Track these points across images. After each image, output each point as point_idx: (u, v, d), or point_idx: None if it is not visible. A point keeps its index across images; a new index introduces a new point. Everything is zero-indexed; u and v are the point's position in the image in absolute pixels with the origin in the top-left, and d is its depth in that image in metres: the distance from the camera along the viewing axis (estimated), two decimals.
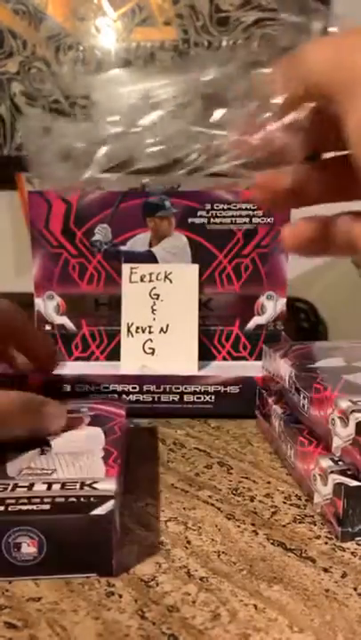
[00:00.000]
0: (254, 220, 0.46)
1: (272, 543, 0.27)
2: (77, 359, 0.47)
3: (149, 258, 0.46)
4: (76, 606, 0.23)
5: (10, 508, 0.24)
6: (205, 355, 0.46)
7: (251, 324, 0.47)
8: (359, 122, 0.19)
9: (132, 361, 0.45)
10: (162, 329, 0.45)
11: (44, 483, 0.26)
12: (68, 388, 0.42)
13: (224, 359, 0.47)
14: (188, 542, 0.27)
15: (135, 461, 0.35)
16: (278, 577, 0.25)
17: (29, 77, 1.61)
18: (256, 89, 0.22)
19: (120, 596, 0.23)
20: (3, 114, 1.64)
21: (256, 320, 0.47)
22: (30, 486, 0.26)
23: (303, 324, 1.41)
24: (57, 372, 0.42)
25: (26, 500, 0.25)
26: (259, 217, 0.46)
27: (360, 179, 0.20)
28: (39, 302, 0.47)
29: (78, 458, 0.29)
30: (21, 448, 0.30)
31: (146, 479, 0.33)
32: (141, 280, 0.46)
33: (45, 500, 0.25)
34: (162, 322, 0.45)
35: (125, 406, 0.36)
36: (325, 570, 0.25)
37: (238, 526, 0.28)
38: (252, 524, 0.29)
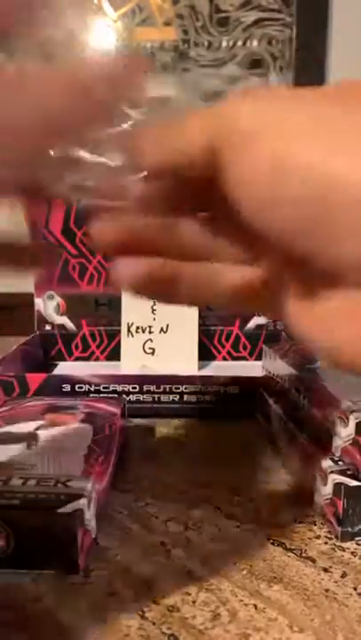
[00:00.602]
0: None
1: (272, 543, 0.27)
2: (77, 359, 0.47)
3: None
4: (76, 606, 0.23)
5: None
6: (205, 355, 0.46)
7: (251, 324, 0.47)
8: (242, 175, 0.17)
9: (132, 361, 0.45)
10: (162, 329, 0.45)
11: (20, 477, 0.27)
12: (67, 387, 0.42)
13: (224, 359, 0.47)
14: (188, 542, 0.27)
15: (135, 461, 0.35)
16: (278, 577, 0.25)
17: None
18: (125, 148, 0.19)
19: (120, 596, 0.23)
20: None
21: (256, 320, 0.47)
22: (7, 480, 0.26)
23: None
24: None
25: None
26: None
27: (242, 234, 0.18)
28: (39, 302, 0.47)
29: (61, 454, 0.29)
30: (12, 440, 0.30)
31: (146, 479, 0.33)
32: None
33: (18, 494, 0.25)
34: (162, 322, 0.45)
35: (122, 405, 0.37)
36: (325, 570, 0.25)
37: (238, 526, 0.29)
38: (252, 524, 0.29)
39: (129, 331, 0.45)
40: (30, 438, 0.31)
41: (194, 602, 0.23)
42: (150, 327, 0.45)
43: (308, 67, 1.49)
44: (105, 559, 0.26)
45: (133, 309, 0.45)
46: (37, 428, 0.32)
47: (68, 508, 0.24)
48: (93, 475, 0.27)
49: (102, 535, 0.27)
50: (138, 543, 0.27)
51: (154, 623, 0.22)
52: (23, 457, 0.29)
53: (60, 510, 0.24)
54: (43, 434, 0.31)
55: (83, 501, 0.24)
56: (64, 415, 0.33)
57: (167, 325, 0.45)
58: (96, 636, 0.21)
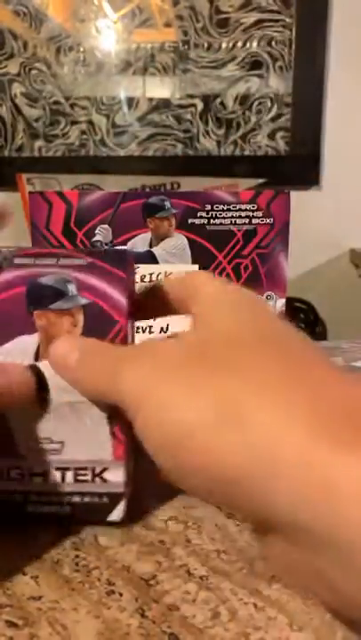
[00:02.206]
0: (254, 220, 0.46)
1: None
2: None
3: (150, 258, 0.47)
4: (76, 605, 0.23)
5: (30, 508, 0.27)
6: None
7: None
8: (137, 430, 0.20)
9: None
10: (162, 329, 0.45)
11: (57, 469, 0.27)
12: None
13: None
14: (188, 541, 0.27)
15: (135, 460, 0.35)
16: (278, 576, 0.25)
17: (30, 78, 1.61)
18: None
19: (120, 595, 0.23)
20: (3, 115, 1.64)
21: None
22: (45, 475, 0.26)
23: (303, 324, 1.41)
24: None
25: (47, 499, 0.26)
26: (258, 218, 0.46)
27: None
28: None
29: (82, 417, 0.26)
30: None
31: (146, 478, 0.33)
32: (142, 280, 0.46)
33: (64, 498, 0.26)
34: (162, 322, 0.45)
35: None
36: None
37: (238, 525, 0.29)
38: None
39: None
40: (40, 386, 0.26)
41: (194, 600, 0.23)
42: (150, 327, 0.45)
43: (309, 67, 1.49)
44: (105, 559, 0.26)
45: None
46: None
47: (115, 516, 0.27)
48: (122, 458, 0.27)
49: (102, 534, 0.27)
50: (138, 542, 0.27)
51: (154, 622, 0.22)
52: (46, 428, 0.26)
53: (110, 519, 0.27)
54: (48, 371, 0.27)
55: (125, 502, 0.27)
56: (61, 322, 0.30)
57: (167, 325, 0.45)
58: (96, 635, 0.21)
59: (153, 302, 0.27)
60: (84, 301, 0.25)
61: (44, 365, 0.26)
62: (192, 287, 0.24)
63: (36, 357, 0.26)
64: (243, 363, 0.19)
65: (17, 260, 0.25)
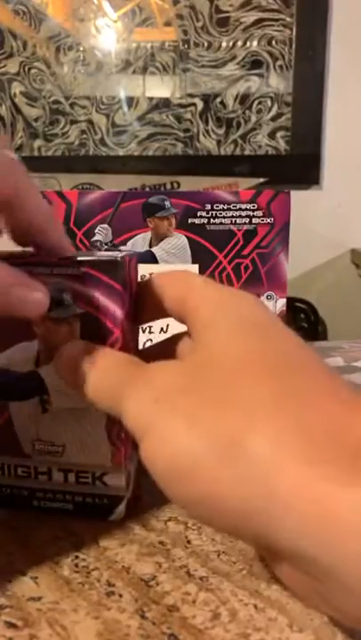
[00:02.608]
0: (254, 220, 0.46)
1: None
2: None
3: (149, 258, 0.46)
4: (76, 606, 0.23)
5: (35, 503, 0.28)
6: None
7: None
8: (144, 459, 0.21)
9: None
10: (162, 329, 0.45)
11: (60, 470, 0.27)
12: None
13: None
14: (188, 542, 0.27)
15: (138, 462, 0.35)
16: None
17: (30, 78, 1.61)
18: None
19: (120, 596, 0.23)
20: (3, 114, 1.64)
21: None
22: (49, 473, 0.27)
23: (303, 324, 1.41)
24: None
25: (51, 496, 0.28)
26: (259, 217, 0.46)
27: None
28: None
29: (81, 421, 0.27)
30: (21, 393, 0.27)
31: (146, 478, 0.33)
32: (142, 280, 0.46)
33: (67, 496, 0.27)
34: (162, 322, 0.45)
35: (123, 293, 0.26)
36: None
37: None
38: None
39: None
40: (39, 389, 0.27)
41: (194, 601, 0.23)
42: (150, 327, 0.45)
43: (309, 66, 1.49)
44: (105, 559, 0.26)
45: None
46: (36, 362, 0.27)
47: (115, 515, 0.28)
48: (121, 463, 0.27)
49: (102, 535, 0.27)
50: (138, 543, 0.27)
51: (154, 623, 0.22)
52: (47, 430, 0.27)
53: (111, 519, 0.28)
54: (46, 377, 0.27)
55: (125, 504, 0.27)
56: (58, 327, 0.28)
57: (167, 325, 0.45)
58: (96, 636, 0.21)
59: (148, 304, 0.26)
60: (80, 310, 0.25)
61: (44, 371, 0.26)
62: (190, 298, 0.24)
63: (37, 363, 0.26)
64: (239, 392, 0.19)
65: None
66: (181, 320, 0.24)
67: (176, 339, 0.27)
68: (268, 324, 0.22)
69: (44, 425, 0.27)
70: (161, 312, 0.26)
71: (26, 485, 0.28)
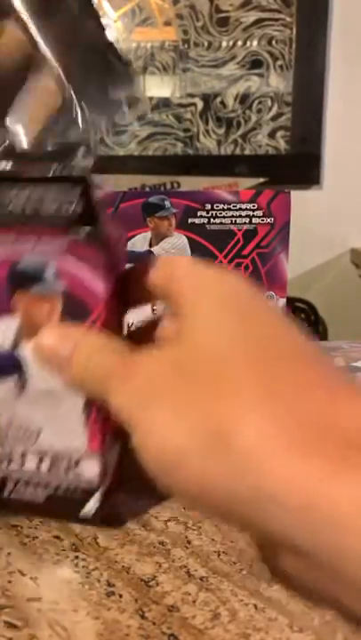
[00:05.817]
0: (254, 220, 0.46)
1: None
2: None
3: None
4: (76, 606, 0.23)
5: (5, 494, 0.27)
6: None
7: None
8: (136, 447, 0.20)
9: None
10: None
11: (33, 456, 0.26)
12: None
13: None
14: (189, 542, 0.27)
15: (135, 461, 0.35)
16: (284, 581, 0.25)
17: None
18: None
19: (120, 596, 0.23)
20: None
21: None
22: (22, 459, 0.26)
23: (303, 324, 1.41)
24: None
25: (23, 487, 0.26)
26: (259, 217, 0.46)
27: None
28: None
29: (58, 404, 0.26)
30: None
31: (146, 479, 0.33)
32: None
33: (38, 488, 0.26)
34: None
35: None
36: None
37: None
38: None
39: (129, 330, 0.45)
40: (16, 367, 0.26)
41: (194, 601, 0.23)
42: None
43: (309, 66, 1.49)
44: (105, 559, 0.26)
45: (134, 309, 0.45)
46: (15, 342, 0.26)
47: (88, 510, 0.26)
48: (96, 449, 0.26)
49: (102, 535, 0.27)
50: (138, 543, 0.27)
51: (154, 623, 0.22)
52: (23, 412, 0.26)
53: (82, 513, 0.27)
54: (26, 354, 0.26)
55: (98, 496, 0.26)
56: (39, 305, 0.27)
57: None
58: (96, 636, 0.21)
59: (137, 287, 0.26)
60: (62, 287, 0.24)
61: (23, 349, 0.25)
62: (175, 280, 0.23)
63: (17, 339, 0.26)
64: (224, 383, 0.18)
65: None
66: (167, 303, 0.24)
67: (161, 319, 0.26)
68: (253, 306, 0.21)
69: (19, 407, 0.26)
70: (148, 295, 0.26)
71: None
